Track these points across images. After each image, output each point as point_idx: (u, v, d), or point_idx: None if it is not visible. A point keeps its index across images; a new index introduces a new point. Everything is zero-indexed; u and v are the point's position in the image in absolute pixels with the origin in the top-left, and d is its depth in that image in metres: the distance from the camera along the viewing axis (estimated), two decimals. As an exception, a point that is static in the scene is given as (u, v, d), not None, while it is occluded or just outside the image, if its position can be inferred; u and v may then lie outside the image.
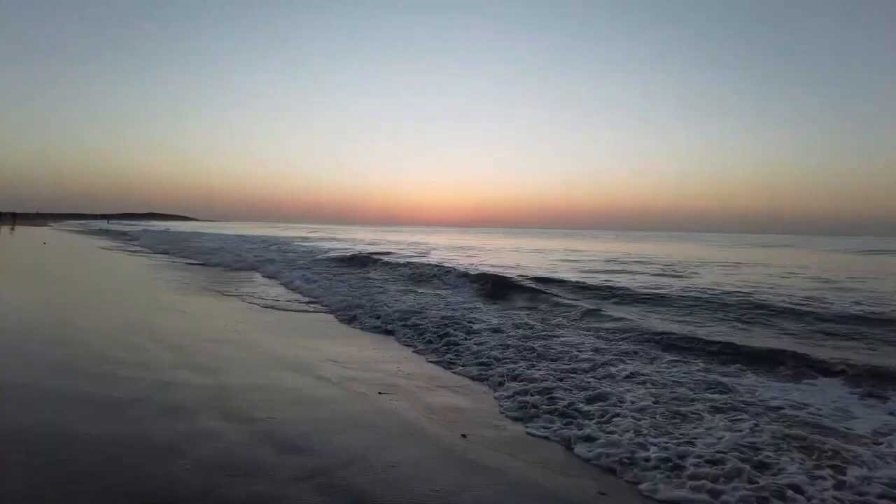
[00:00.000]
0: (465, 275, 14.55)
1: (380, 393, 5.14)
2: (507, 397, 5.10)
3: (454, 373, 6.04)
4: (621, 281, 14.03)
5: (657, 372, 5.80)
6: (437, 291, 12.52)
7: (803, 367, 6.06)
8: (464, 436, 4.15)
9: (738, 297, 11.02)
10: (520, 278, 13.60)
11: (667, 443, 3.93)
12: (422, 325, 8.20)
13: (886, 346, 7.39)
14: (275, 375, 5.61)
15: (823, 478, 3.43)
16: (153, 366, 5.63)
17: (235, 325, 8.31)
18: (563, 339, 7.33)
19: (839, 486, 3.36)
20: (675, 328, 8.14)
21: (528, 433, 4.31)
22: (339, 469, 3.46)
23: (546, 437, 4.21)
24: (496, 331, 7.74)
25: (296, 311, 9.96)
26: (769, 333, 8.12)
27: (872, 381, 5.54)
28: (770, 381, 5.66)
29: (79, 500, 2.95)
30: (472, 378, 5.82)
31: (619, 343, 7.26)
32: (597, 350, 6.72)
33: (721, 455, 3.72)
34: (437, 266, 16.40)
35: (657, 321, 8.91)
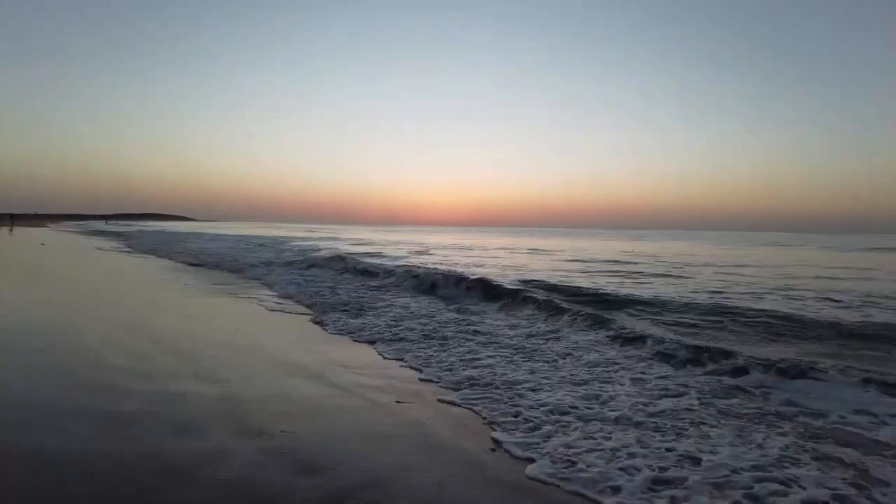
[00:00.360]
0: (461, 279, 12.96)
1: (398, 402, 4.87)
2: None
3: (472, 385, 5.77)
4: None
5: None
6: (444, 294, 12.22)
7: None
8: (493, 450, 3.91)
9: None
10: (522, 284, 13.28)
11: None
12: (433, 332, 7.94)
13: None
14: (285, 383, 5.33)
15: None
16: (157, 375, 5.35)
17: (235, 328, 8.09)
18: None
19: None
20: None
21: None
22: (363, 491, 3.18)
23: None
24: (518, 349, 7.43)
25: (295, 313, 9.67)
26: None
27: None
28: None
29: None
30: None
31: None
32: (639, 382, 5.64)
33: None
34: (447, 273, 14.60)
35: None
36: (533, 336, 7.79)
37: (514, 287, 11.60)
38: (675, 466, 3.59)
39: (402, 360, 6.45)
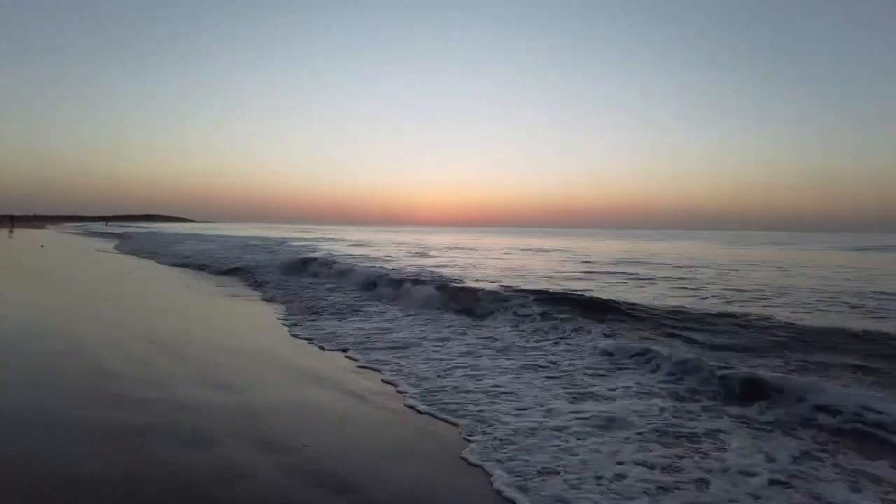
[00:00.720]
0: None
1: (418, 412, 4.65)
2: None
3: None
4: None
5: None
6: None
7: None
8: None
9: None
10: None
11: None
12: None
13: None
14: (297, 390, 5.14)
15: None
16: (165, 381, 5.12)
17: (235, 329, 7.97)
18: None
19: None
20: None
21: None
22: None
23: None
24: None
25: (293, 315, 9.44)
26: None
27: None
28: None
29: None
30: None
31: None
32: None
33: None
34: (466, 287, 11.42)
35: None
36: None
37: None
38: None
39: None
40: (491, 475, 3.41)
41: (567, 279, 14.22)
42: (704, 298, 10.88)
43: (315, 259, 17.31)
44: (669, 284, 13.34)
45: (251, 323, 9.03)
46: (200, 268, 17.81)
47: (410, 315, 9.31)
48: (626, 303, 9.52)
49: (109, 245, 31.46)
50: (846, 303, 10.40)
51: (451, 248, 30.30)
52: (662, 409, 4.69)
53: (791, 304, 10.27)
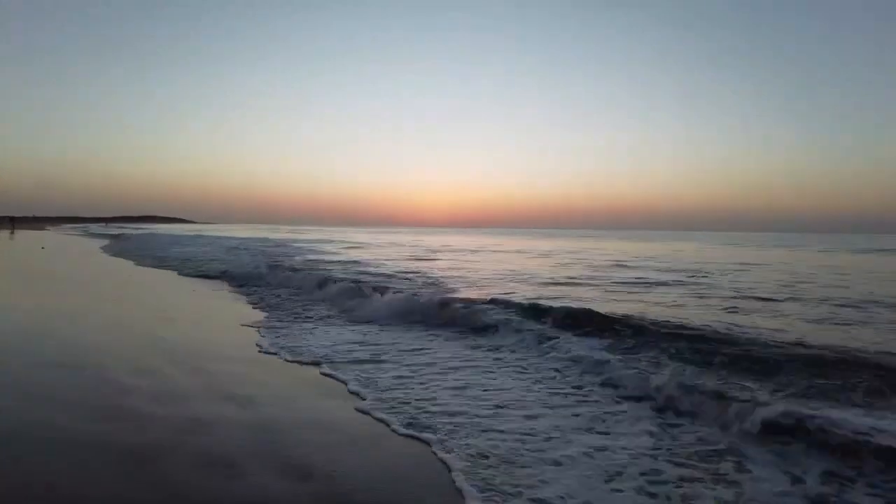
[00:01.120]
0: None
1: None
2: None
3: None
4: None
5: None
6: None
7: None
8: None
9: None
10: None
11: None
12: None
13: None
14: (311, 406, 4.83)
15: None
16: (173, 394, 4.83)
17: (236, 337, 7.70)
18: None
19: None
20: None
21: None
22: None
23: None
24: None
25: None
26: None
27: None
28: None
29: None
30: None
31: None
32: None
33: None
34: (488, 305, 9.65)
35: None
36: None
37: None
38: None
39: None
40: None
41: (565, 285, 13.75)
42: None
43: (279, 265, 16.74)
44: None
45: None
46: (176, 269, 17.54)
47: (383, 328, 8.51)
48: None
49: (111, 246, 31.29)
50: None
51: (452, 256, 29.89)
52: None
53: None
